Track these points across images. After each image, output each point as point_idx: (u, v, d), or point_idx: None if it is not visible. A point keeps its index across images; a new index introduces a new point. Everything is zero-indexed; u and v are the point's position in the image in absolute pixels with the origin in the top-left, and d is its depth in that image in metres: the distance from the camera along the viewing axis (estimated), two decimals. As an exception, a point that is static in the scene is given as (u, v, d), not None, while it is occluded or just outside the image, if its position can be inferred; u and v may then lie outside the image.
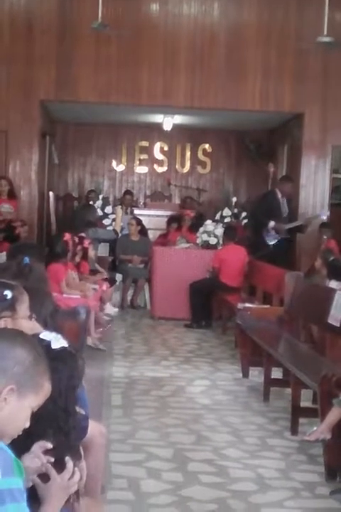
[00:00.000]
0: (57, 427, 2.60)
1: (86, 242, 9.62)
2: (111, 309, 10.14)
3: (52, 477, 2.35)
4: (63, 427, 2.64)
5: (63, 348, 2.76)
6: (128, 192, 14.90)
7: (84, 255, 9.53)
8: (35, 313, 3.34)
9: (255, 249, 11.13)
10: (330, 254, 9.12)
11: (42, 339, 2.72)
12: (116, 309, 10.99)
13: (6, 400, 2.19)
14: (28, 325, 3.17)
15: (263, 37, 12.39)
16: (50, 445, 2.44)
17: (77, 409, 3.54)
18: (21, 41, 12.24)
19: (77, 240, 9.17)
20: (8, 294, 3.17)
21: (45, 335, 2.78)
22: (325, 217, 11.91)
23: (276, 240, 11.28)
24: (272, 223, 11.22)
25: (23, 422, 2.27)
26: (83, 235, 9.96)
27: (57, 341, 2.77)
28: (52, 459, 2.39)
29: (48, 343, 2.70)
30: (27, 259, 4.36)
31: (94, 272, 10.07)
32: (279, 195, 11.57)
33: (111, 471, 4.89)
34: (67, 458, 2.43)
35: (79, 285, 8.76)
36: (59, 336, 2.84)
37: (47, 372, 2.35)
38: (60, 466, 2.42)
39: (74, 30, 12.17)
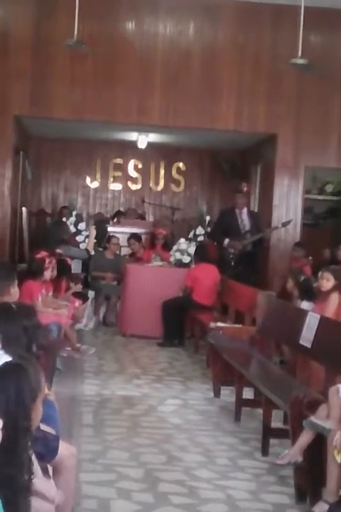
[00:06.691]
0: (2, 447, 2.51)
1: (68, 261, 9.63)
2: (87, 325, 10.16)
3: None
4: (10, 446, 2.55)
5: (6, 364, 2.68)
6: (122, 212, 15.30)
7: (61, 272, 9.33)
8: None
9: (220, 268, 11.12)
10: (301, 275, 9.14)
11: None
12: (91, 326, 11.00)
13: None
14: None
15: (237, 57, 12.46)
16: None
17: (48, 429, 3.51)
18: (-4, 56, 12.21)
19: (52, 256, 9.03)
20: None
21: None
22: (280, 226, 12.13)
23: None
24: (226, 241, 11.43)
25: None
26: (59, 251, 9.93)
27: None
28: None
29: None
30: None
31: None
32: (237, 210, 11.75)
33: (81, 491, 4.84)
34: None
35: (52, 302, 8.70)
36: (1, 352, 2.77)
37: None
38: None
39: (49, 46, 12.15)
